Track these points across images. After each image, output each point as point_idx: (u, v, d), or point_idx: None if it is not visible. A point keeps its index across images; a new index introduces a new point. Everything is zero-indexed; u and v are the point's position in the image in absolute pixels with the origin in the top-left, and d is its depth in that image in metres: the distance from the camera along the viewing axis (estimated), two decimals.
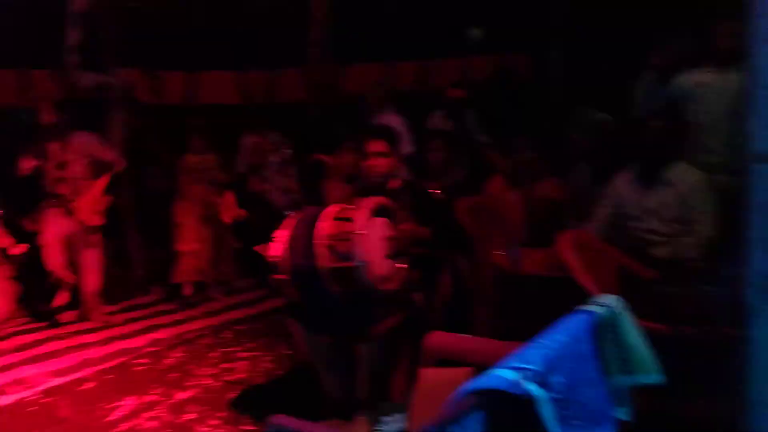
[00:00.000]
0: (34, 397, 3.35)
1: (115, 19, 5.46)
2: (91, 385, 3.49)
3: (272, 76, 6.47)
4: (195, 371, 3.58)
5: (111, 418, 3.04)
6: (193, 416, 2.99)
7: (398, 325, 2.61)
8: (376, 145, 2.83)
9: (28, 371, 3.73)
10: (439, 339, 2.08)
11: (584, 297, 2.00)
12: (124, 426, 2.94)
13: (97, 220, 4.48)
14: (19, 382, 3.56)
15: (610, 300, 1.56)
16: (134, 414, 3.06)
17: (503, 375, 1.26)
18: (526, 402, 1.23)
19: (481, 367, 1.89)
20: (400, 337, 2.68)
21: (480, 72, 7.01)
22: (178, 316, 4.70)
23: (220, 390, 3.29)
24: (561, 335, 1.41)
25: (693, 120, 3.78)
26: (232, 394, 3.19)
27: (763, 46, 1.20)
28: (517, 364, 1.28)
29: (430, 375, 1.83)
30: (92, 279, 4.53)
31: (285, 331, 4.07)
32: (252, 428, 2.82)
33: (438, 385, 1.74)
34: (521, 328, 2.78)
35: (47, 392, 3.41)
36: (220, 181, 5.21)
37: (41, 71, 5.33)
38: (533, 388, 1.23)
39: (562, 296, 2.66)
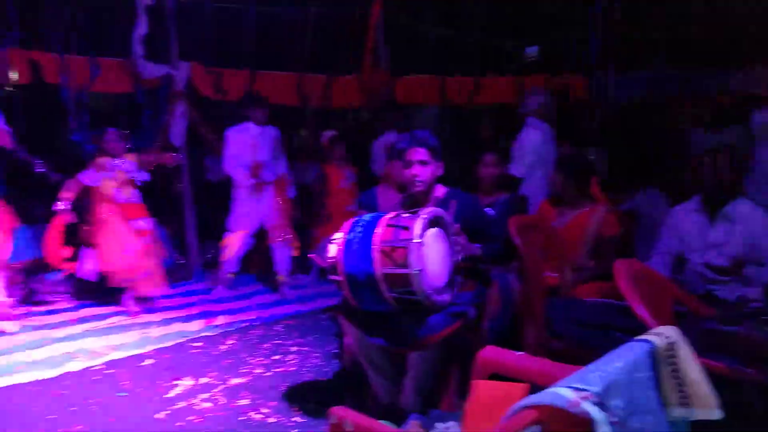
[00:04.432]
0: (98, 368, 3.57)
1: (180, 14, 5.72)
2: (150, 362, 3.70)
3: (329, 80, 6.64)
4: (247, 359, 3.73)
5: (169, 395, 3.22)
6: (246, 402, 3.13)
7: (450, 337, 2.66)
8: (418, 153, 2.80)
9: (92, 343, 3.97)
10: (493, 353, 2.13)
11: (637, 327, 2.02)
12: (182, 404, 3.10)
13: None
14: (84, 352, 3.80)
15: (670, 331, 1.59)
16: (191, 394, 3.23)
17: (563, 394, 1.31)
18: (582, 422, 1.29)
19: (533, 384, 1.94)
20: (452, 349, 2.73)
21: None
22: (232, 305, 4.89)
23: (271, 380, 3.42)
24: (620, 361, 1.45)
25: (762, 159, 3.77)
26: (282, 385, 3.32)
27: None
28: (576, 385, 1.34)
29: (484, 387, 1.87)
30: None
31: (332, 330, 4.21)
32: (302, 420, 2.94)
33: (493, 397, 1.79)
34: (569, 351, 2.82)
35: (110, 364, 3.63)
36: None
37: (109, 59, 5.61)
38: (593, 410, 1.28)
39: (614, 324, 2.69)
